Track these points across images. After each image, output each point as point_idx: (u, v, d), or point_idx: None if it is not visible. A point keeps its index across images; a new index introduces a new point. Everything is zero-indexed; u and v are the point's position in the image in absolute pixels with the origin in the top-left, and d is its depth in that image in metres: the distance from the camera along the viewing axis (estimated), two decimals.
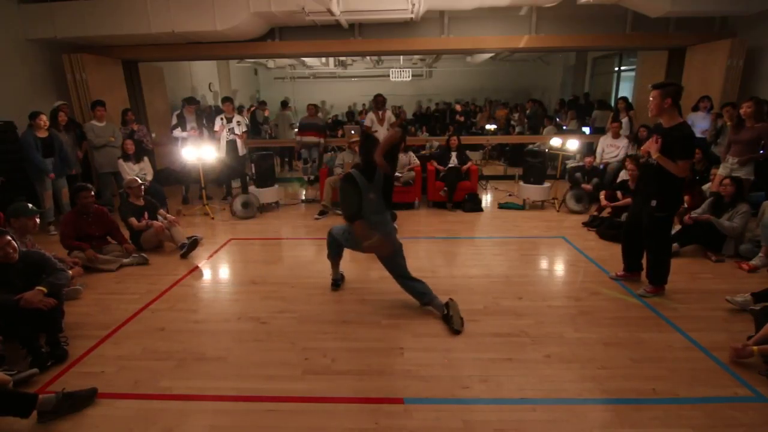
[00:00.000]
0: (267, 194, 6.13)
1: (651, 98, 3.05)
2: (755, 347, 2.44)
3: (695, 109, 6.01)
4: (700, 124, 5.92)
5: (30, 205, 3.29)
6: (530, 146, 7.54)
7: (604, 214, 5.17)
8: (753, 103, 4.32)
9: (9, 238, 2.68)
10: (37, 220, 3.34)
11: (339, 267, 3.61)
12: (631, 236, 3.48)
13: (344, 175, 3.19)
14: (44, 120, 5.13)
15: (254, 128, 10.07)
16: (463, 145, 6.52)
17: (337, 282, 3.60)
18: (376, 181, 3.02)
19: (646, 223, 3.23)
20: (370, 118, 6.84)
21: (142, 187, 4.67)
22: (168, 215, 4.75)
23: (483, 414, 2.17)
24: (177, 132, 6.49)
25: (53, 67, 6.51)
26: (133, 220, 4.48)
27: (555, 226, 5.25)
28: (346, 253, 3.43)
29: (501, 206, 6.16)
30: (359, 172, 3.04)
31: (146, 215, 4.62)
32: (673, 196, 3.14)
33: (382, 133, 6.76)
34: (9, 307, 2.52)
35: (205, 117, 7.00)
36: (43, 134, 5.15)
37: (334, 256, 3.52)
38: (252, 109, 10.74)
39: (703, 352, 2.64)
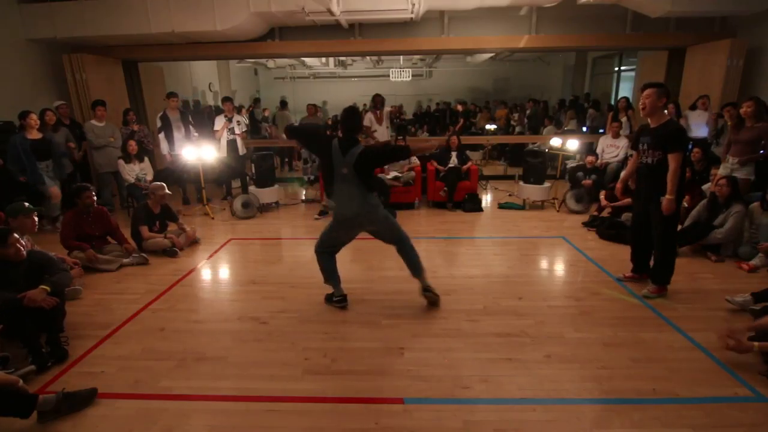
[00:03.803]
0: (267, 194, 6.13)
1: (644, 97, 3.11)
2: (756, 343, 2.42)
3: (693, 108, 6.02)
4: (697, 122, 5.93)
5: (27, 204, 3.24)
6: (530, 146, 7.54)
7: (604, 214, 5.18)
8: (753, 103, 4.32)
9: (17, 235, 2.70)
10: (36, 219, 3.29)
11: (340, 283, 3.31)
12: (638, 238, 3.50)
13: (328, 137, 3.10)
14: (34, 119, 5.00)
15: (254, 126, 10.07)
16: (463, 145, 6.52)
17: (344, 298, 3.29)
18: (348, 156, 2.92)
19: (655, 221, 3.24)
20: (368, 118, 6.85)
21: (166, 195, 4.60)
22: (184, 229, 4.65)
23: (483, 414, 2.17)
24: (162, 137, 6.31)
25: (53, 67, 6.52)
26: (145, 229, 4.44)
27: (555, 226, 5.25)
28: (347, 253, 3.39)
29: (501, 206, 6.16)
30: (338, 142, 2.96)
31: (158, 224, 4.60)
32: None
33: (381, 132, 6.77)
34: (13, 306, 2.52)
35: (191, 115, 6.88)
36: (35, 135, 5.03)
37: (330, 271, 3.29)
38: (249, 108, 10.73)
39: (703, 352, 2.63)
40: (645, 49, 8.03)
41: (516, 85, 15.66)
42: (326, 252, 3.28)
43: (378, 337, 2.87)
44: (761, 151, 4.48)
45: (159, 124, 6.35)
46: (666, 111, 6.43)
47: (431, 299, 3.26)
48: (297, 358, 2.65)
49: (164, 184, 4.65)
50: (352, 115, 3.03)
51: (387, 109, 7.01)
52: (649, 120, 3.21)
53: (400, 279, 3.75)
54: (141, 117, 7.49)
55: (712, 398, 2.24)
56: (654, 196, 3.18)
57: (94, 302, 3.44)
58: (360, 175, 2.94)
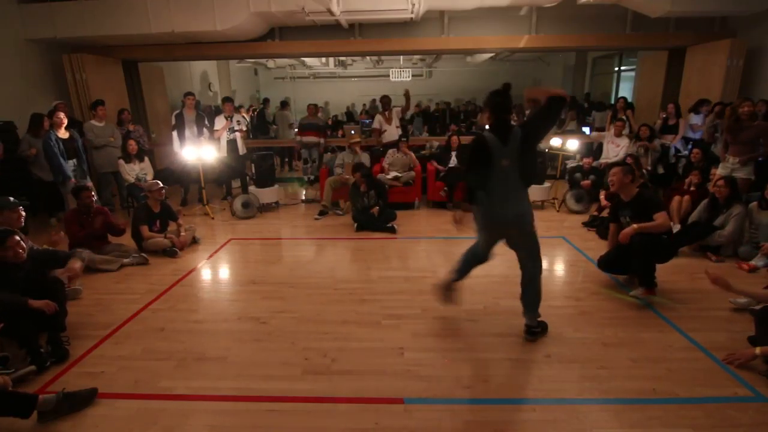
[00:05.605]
0: (267, 194, 6.13)
1: (612, 175, 3.37)
2: (758, 349, 2.43)
3: (696, 111, 6.00)
4: (698, 125, 5.94)
5: (11, 198, 3.18)
6: None
7: (604, 214, 5.17)
8: (763, 103, 4.34)
9: (18, 238, 2.68)
10: (22, 213, 3.21)
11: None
12: (606, 262, 3.60)
13: (474, 137, 2.71)
14: (60, 117, 5.01)
15: (263, 127, 10.07)
16: (463, 144, 6.51)
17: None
18: (510, 143, 2.51)
19: (643, 245, 3.24)
20: (378, 120, 6.87)
21: (163, 191, 4.58)
22: (181, 230, 4.63)
23: (483, 414, 2.17)
24: (176, 135, 6.34)
25: (53, 67, 6.52)
26: (145, 229, 4.44)
27: (555, 226, 5.25)
28: (346, 252, 3.39)
29: None
30: (491, 134, 2.54)
31: (158, 223, 4.59)
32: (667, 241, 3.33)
33: (391, 132, 6.77)
34: (17, 306, 2.51)
35: (206, 117, 6.92)
36: (63, 134, 5.06)
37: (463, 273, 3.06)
38: (251, 108, 10.73)
39: (703, 352, 2.63)
40: (645, 49, 8.03)
41: (516, 85, 15.61)
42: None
43: (378, 337, 2.87)
44: (761, 150, 4.47)
45: (173, 122, 6.36)
46: (665, 114, 6.43)
47: (531, 339, 2.86)
48: (297, 358, 2.65)
49: (158, 182, 4.63)
50: (503, 95, 2.57)
51: (396, 108, 7.05)
52: (621, 195, 3.41)
53: (400, 279, 3.76)
54: (141, 117, 7.49)
55: (712, 398, 2.24)
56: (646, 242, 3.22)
57: (94, 302, 3.44)
58: (522, 162, 2.54)
